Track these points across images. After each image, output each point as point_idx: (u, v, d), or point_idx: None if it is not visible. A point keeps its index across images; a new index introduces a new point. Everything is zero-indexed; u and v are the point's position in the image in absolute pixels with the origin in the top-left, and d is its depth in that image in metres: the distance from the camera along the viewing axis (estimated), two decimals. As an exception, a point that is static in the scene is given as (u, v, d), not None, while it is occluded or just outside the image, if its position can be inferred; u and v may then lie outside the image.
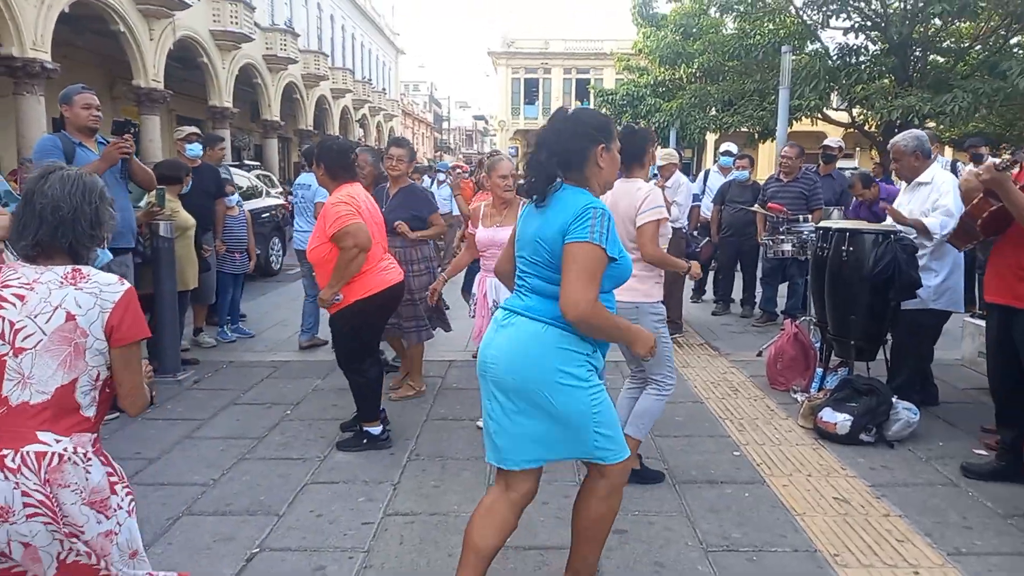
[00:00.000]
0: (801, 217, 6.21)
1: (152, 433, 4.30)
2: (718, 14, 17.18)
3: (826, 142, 7.73)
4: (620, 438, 2.34)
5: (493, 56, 45.29)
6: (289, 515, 3.27)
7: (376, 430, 4.03)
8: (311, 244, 3.97)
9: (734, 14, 16.46)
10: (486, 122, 69.05)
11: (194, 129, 6.24)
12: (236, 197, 6.49)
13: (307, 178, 6.34)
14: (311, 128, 29.54)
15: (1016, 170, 3.48)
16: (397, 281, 4.05)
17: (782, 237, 6.10)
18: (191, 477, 3.67)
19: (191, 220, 5.59)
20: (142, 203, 5.20)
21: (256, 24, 23.42)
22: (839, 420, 4.11)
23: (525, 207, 2.42)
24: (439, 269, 5.23)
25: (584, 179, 2.28)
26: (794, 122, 15.63)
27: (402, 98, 55.65)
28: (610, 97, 23.72)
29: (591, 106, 29.84)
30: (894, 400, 4.16)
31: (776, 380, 5.20)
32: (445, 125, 78.37)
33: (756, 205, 6.82)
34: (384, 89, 44.94)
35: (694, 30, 17.28)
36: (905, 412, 4.14)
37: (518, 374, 2.22)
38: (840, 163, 7.84)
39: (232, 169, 7.78)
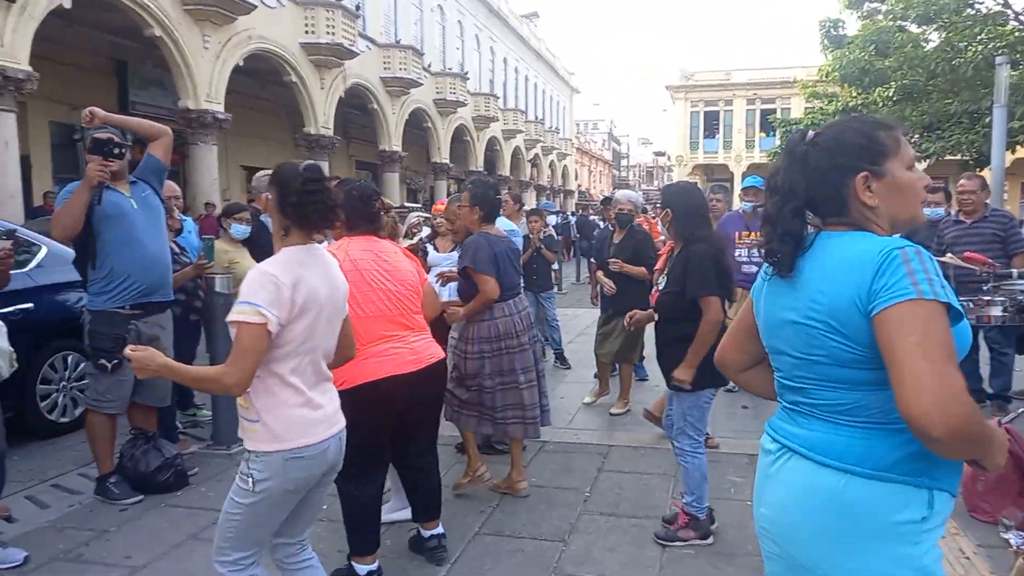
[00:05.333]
0: (1016, 272, 4.59)
1: (165, 527, 3.69)
2: (917, 27, 14.91)
3: None
4: None
5: (671, 90, 44.02)
6: None
7: (363, 569, 3.02)
8: None
9: (937, 25, 14.20)
10: (668, 158, 67.48)
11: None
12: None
13: None
14: (482, 169, 29.87)
15: None
16: (389, 374, 2.98)
17: (987, 297, 4.51)
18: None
19: (259, 271, 5.07)
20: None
21: (426, 69, 24.02)
22: (1076, 600, 2.64)
23: (760, 279, 1.63)
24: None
25: (854, 224, 1.48)
26: (1018, 148, 13.16)
27: (577, 136, 55.61)
28: (794, 127, 22.07)
29: (776, 139, 27.62)
30: None
31: (977, 507, 3.68)
32: (624, 162, 77.73)
33: (947, 256, 5.19)
34: (557, 128, 44.94)
35: (890, 48, 15.04)
36: None
37: (811, 555, 1.45)
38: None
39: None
